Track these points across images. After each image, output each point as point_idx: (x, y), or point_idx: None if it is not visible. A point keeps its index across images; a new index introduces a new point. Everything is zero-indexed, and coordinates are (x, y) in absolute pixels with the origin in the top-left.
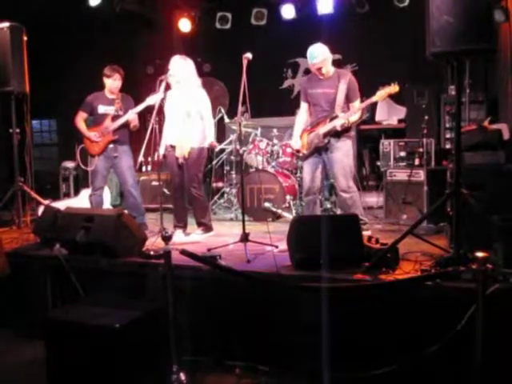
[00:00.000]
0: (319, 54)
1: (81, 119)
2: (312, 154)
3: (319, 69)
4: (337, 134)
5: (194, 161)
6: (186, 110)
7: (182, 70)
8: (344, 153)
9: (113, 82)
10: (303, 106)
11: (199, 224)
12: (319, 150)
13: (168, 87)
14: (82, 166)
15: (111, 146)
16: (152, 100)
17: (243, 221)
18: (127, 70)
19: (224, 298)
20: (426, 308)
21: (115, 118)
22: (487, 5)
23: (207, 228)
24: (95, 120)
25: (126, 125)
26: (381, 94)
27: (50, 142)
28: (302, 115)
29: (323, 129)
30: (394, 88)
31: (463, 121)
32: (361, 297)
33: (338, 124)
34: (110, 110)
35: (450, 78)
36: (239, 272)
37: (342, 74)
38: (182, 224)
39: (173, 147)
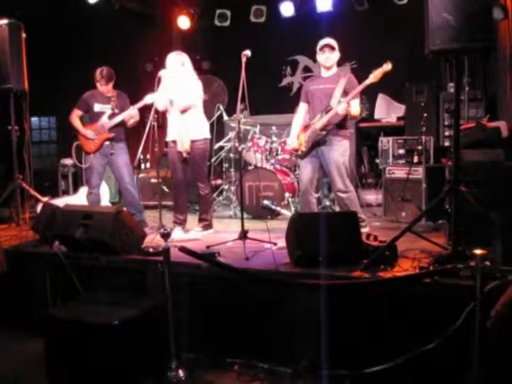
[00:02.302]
0: (332, 41)
1: (76, 117)
2: (310, 151)
3: (327, 47)
4: (335, 129)
5: (198, 155)
6: (185, 104)
7: (181, 66)
8: (340, 153)
9: (100, 87)
10: (302, 106)
11: (200, 220)
12: (317, 147)
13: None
14: (78, 164)
15: (107, 143)
16: (150, 99)
17: (242, 218)
18: (126, 68)
19: (223, 295)
20: (424, 305)
21: (111, 116)
22: (486, 2)
23: (207, 225)
24: (91, 118)
25: (121, 123)
26: (375, 75)
27: (48, 140)
28: (301, 116)
29: (319, 123)
30: (386, 67)
31: (462, 118)
32: (359, 294)
33: (340, 109)
34: (106, 108)
35: (448, 75)
36: (238, 269)
37: (343, 73)
38: (182, 218)
39: (174, 143)
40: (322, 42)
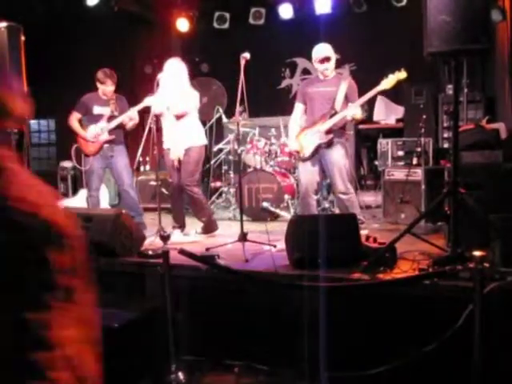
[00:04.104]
0: (327, 49)
1: (75, 119)
2: (314, 155)
3: (325, 60)
4: (336, 131)
5: (191, 157)
6: (180, 110)
7: (181, 72)
8: (342, 155)
9: (105, 88)
10: (299, 106)
11: (202, 222)
12: (319, 150)
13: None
14: (77, 166)
15: (107, 145)
16: (150, 101)
17: (241, 220)
18: (125, 70)
19: (222, 297)
20: (423, 307)
21: (111, 118)
22: (484, 4)
23: (207, 226)
24: (90, 120)
25: (121, 125)
26: (389, 82)
27: (48, 142)
28: (297, 116)
29: (323, 126)
30: (401, 74)
31: (461, 120)
32: (359, 296)
33: (349, 114)
34: (106, 110)
35: (447, 77)
36: (237, 271)
37: (343, 77)
38: (179, 224)
39: (169, 149)
40: (318, 54)
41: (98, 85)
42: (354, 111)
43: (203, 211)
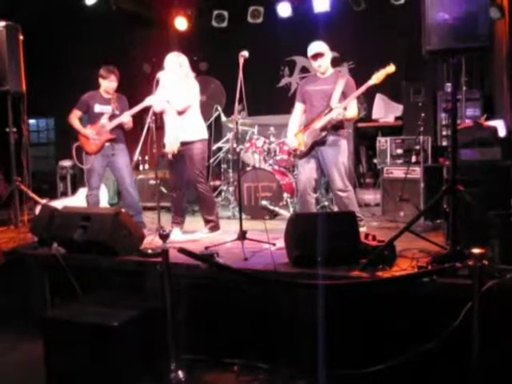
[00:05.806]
0: (319, 45)
1: (75, 117)
2: (310, 152)
3: (317, 56)
4: (333, 129)
5: (196, 155)
6: (182, 105)
7: (178, 67)
8: (339, 152)
9: (108, 84)
10: (299, 106)
11: (207, 221)
12: (315, 147)
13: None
14: (78, 164)
15: (108, 144)
16: (150, 101)
17: (240, 219)
18: (124, 68)
19: (222, 295)
20: (422, 304)
21: (112, 117)
22: (482, 2)
23: (214, 226)
24: (91, 119)
25: (121, 124)
26: (378, 76)
27: (47, 141)
28: (297, 115)
29: (319, 123)
30: (390, 68)
31: (459, 118)
32: (358, 294)
33: (334, 114)
34: (107, 109)
35: (445, 75)
36: (237, 270)
37: (341, 74)
38: (180, 219)
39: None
40: (310, 51)
41: (101, 81)
42: (338, 111)
43: (213, 209)
